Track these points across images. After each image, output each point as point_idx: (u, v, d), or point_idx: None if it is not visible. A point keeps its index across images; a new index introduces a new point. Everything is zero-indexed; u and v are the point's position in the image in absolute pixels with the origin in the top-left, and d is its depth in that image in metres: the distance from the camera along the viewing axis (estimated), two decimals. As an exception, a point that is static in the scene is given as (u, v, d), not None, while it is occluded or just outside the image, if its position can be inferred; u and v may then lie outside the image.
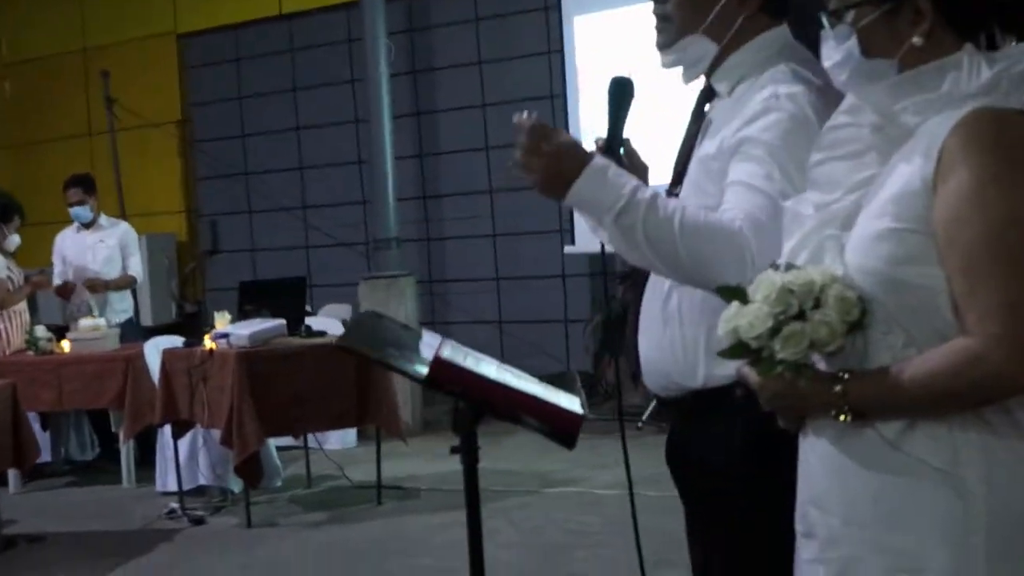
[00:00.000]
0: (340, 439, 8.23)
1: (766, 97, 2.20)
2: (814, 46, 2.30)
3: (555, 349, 9.95)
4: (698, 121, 2.43)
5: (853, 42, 1.88)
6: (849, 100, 1.92)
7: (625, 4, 8.54)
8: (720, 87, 2.39)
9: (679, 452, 2.48)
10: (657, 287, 2.37)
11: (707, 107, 2.44)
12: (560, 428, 2.15)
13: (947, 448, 1.75)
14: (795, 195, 2.03)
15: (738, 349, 1.84)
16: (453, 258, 10.84)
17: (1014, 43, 1.84)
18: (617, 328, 8.71)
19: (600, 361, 9.15)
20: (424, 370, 2.09)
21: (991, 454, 1.74)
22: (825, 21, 1.92)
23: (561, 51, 9.55)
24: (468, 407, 2.09)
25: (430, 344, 2.23)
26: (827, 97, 2.12)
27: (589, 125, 8.83)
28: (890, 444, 1.79)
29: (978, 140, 1.73)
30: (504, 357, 2.78)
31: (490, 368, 2.18)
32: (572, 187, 2.12)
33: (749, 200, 2.13)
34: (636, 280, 2.48)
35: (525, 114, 2.17)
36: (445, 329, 8.83)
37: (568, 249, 9.54)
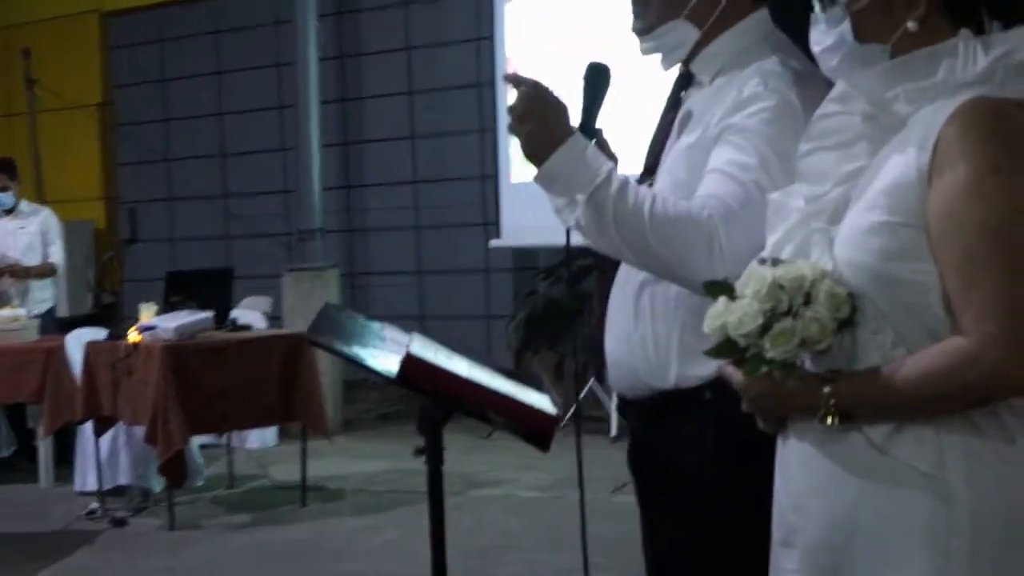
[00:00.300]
0: (260, 438, 8.03)
1: (753, 86, 2.13)
2: (790, 30, 2.24)
3: (477, 345, 9.80)
4: (673, 110, 2.35)
5: (846, 26, 1.82)
6: (839, 88, 1.86)
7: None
8: (701, 75, 2.30)
9: (645, 454, 2.38)
10: (628, 281, 2.28)
11: (683, 94, 2.36)
12: (534, 428, 2.07)
13: (934, 452, 1.69)
14: (772, 185, 1.97)
15: (726, 347, 1.77)
16: (375, 250, 10.69)
17: (1000, 29, 1.78)
18: (543, 324, 8.65)
19: (522, 358, 9.03)
20: (393, 368, 1.98)
21: (976, 457, 1.69)
22: (816, 4, 1.84)
23: (491, 38, 9.44)
24: (435, 406, 1.99)
25: (395, 339, 2.13)
26: (812, 84, 2.06)
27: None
28: (877, 448, 1.73)
29: (976, 130, 1.67)
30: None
31: (461, 365, 2.08)
32: (546, 161, 2.06)
33: (723, 188, 2.07)
34: (603, 272, 2.39)
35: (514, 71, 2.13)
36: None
37: (493, 243, 9.41)
